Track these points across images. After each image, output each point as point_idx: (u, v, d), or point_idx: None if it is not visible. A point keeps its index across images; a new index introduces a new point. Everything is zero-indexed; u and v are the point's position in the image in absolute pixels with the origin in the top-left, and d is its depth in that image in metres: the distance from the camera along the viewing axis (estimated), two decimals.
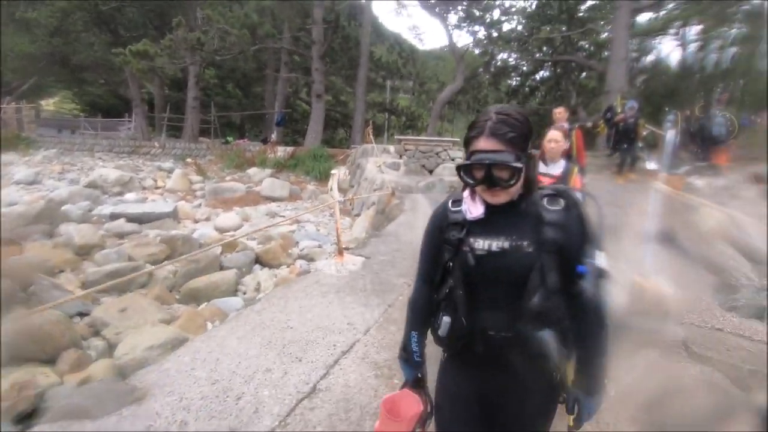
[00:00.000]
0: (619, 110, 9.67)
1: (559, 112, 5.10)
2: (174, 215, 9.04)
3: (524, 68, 24.06)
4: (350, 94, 23.57)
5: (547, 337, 1.07)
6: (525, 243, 1.11)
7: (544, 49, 21.65)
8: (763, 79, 14.11)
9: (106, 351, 3.92)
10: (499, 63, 22.99)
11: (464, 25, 21.29)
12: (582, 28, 20.06)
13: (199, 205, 10.81)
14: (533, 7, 21.70)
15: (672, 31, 20.32)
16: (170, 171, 14.05)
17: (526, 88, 24.93)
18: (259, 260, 6.62)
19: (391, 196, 7.91)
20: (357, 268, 4.37)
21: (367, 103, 22.21)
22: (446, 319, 1.17)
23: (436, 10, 20.34)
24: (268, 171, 14.01)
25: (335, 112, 25.84)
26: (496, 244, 1.12)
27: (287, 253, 7.09)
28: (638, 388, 2.35)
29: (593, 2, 20.72)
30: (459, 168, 1.12)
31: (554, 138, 3.03)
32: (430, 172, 10.27)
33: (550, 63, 22.60)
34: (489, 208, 1.15)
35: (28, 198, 10.04)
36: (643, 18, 20.09)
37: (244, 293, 5.67)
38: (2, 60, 19.38)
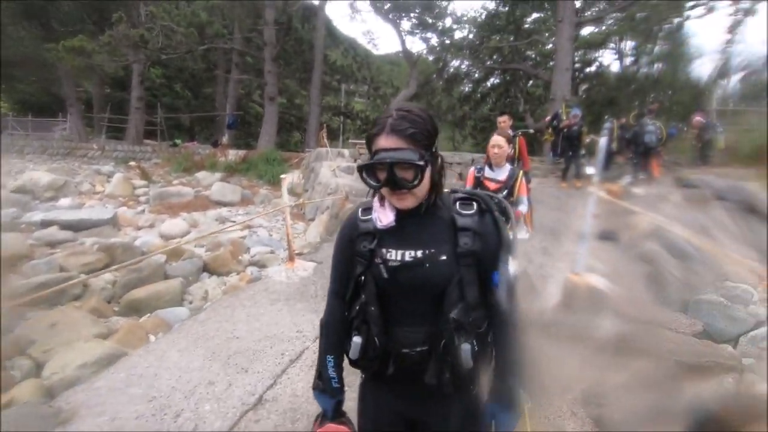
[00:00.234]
0: (564, 117, 10.20)
1: (503, 121, 5.13)
2: (114, 222, 8.51)
3: (476, 75, 24.83)
4: (305, 97, 23.27)
5: (468, 351, 1.02)
6: (440, 251, 1.05)
7: (494, 57, 22.47)
8: (686, 90, 15.43)
9: (33, 371, 3.60)
10: (451, 70, 23.60)
11: (417, 31, 21.69)
12: (528, 39, 21.02)
13: (143, 210, 10.23)
14: (483, 17, 22.52)
15: (611, 44, 21.82)
16: (110, 175, 13.20)
17: (478, 95, 25.73)
18: (207, 268, 6.36)
19: (345, 201, 7.88)
20: (308, 274, 4.30)
21: (322, 106, 22.03)
22: (357, 340, 1.09)
23: (390, 16, 20.58)
24: (219, 175, 13.53)
25: (290, 115, 25.42)
26: (409, 254, 1.06)
27: (237, 259, 6.86)
28: (576, 383, 2.47)
29: (538, 15, 21.80)
30: (360, 169, 1.05)
31: (497, 143, 3.08)
32: None
33: (499, 71, 23.49)
34: (400, 214, 1.08)
35: None
36: (586, 31, 21.38)
37: (191, 303, 5.41)
38: None
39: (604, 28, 21.02)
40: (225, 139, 19.03)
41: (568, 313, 3.12)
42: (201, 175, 13.56)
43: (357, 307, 1.11)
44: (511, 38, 21.59)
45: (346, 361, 1.18)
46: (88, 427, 2.02)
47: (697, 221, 5.38)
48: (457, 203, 1.11)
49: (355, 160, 10.93)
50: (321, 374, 1.18)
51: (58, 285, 4.58)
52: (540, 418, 2.26)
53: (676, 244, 4.52)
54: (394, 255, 1.07)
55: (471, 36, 22.74)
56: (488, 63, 22.71)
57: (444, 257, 1.04)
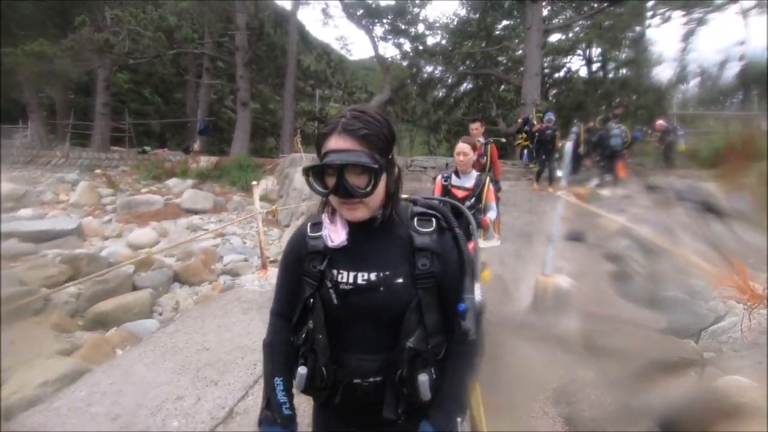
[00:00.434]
0: (535, 122, 10.46)
1: (476, 128, 5.10)
2: (78, 232, 8.18)
3: (449, 80, 25.19)
4: (278, 102, 23.05)
5: (426, 382, 0.94)
6: (396, 274, 0.96)
7: (467, 62, 22.89)
8: (650, 95, 16.11)
9: None
10: (425, 75, 23.86)
11: (390, 37, 21.86)
12: (499, 45, 21.51)
13: (110, 220, 9.88)
14: (455, 23, 22.92)
15: (579, 51, 22.62)
16: (75, 183, 12.70)
17: (452, 100, 26.11)
18: (178, 278, 6.20)
19: None
20: None
21: (297, 111, 21.87)
22: (302, 371, 0.98)
23: (362, 21, 20.66)
24: (190, 182, 13.20)
25: (264, 121, 25.12)
26: (362, 277, 0.96)
27: (210, 269, 6.71)
28: (547, 382, 2.52)
29: (508, 22, 22.36)
30: (307, 172, 0.94)
31: (463, 150, 3.07)
32: None
33: (472, 76, 23.92)
34: (352, 231, 0.99)
35: None
36: (554, 38, 22.09)
37: (161, 314, 5.25)
38: None
39: (571, 35, 21.78)
40: (197, 146, 18.62)
41: (539, 314, 3.18)
42: (172, 182, 13.22)
43: (304, 334, 1.01)
44: (483, 44, 22.05)
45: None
46: None
47: (662, 221, 5.59)
48: (415, 219, 1.01)
49: None
50: (269, 401, 1.03)
51: (17, 301, 4.37)
52: (511, 418, 2.29)
53: (641, 243, 4.68)
54: (345, 277, 0.97)
55: (444, 42, 23.10)
56: (461, 68, 23.12)
57: (400, 280, 0.95)
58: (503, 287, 4.11)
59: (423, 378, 0.94)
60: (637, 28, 18.51)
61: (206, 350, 2.88)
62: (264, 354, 1.10)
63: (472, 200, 3.07)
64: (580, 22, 20.41)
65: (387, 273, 0.96)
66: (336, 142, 0.92)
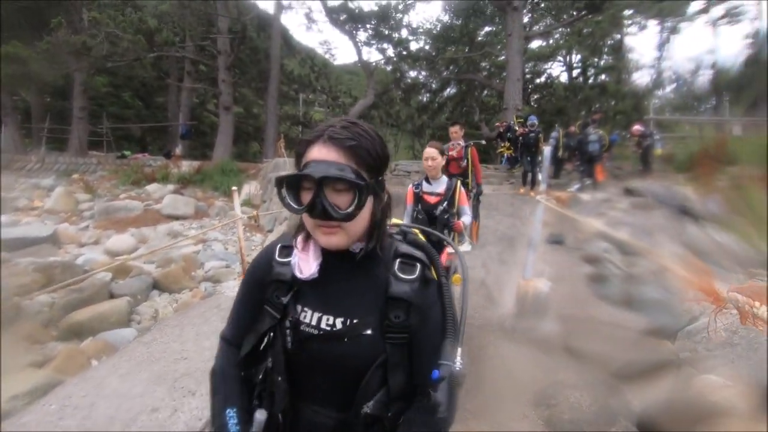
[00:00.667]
0: (517, 128, 10.60)
1: (455, 131, 5.03)
2: (54, 239, 7.95)
3: (433, 85, 25.41)
4: (262, 106, 22.90)
5: None
6: (365, 323, 0.83)
7: (450, 68, 23.12)
8: (628, 101, 16.53)
9: None
10: (409, 80, 24.02)
11: (373, 42, 21.96)
12: (482, 51, 21.81)
13: (87, 226, 9.64)
14: (438, 29, 23.19)
15: (559, 57, 23.12)
16: (51, 189, 12.36)
17: (435, 104, 26.33)
18: (157, 285, 6.07)
19: None
20: None
21: (281, 116, 21.74)
22: (260, 417, 0.85)
23: (346, 27, 20.72)
24: (171, 187, 12.98)
25: (247, 125, 24.89)
26: (327, 321, 0.84)
27: (190, 275, 6.59)
28: (526, 385, 2.53)
29: (490, 29, 22.72)
30: (280, 183, 0.80)
31: (431, 155, 3.01)
32: None
33: (455, 81, 24.17)
34: (326, 262, 0.86)
35: None
36: (535, 44, 22.54)
37: (139, 323, 5.13)
38: None
39: (551, 42, 22.24)
40: (178, 150, 18.33)
41: (520, 318, 3.20)
42: (152, 187, 12.97)
43: (261, 373, 0.89)
44: (466, 50, 22.33)
45: None
46: None
47: (640, 224, 5.71)
48: (397, 261, 0.86)
49: None
50: None
51: None
52: (492, 421, 2.29)
53: (619, 246, 4.77)
54: (309, 317, 0.85)
55: (427, 47, 23.33)
56: (444, 73, 23.34)
57: (369, 331, 0.82)
58: (486, 291, 4.14)
59: None
60: (616, 36, 19.02)
61: (184, 359, 2.82)
62: (211, 384, 0.93)
63: (444, 204, 3.02)
64: (560, 30, 20.88)
65: (355, 321, 0.83)
66: (319, 152, 0.80)
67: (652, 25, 17.41)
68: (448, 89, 25.95)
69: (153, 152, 21.51)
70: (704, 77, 18.88)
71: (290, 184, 0.81)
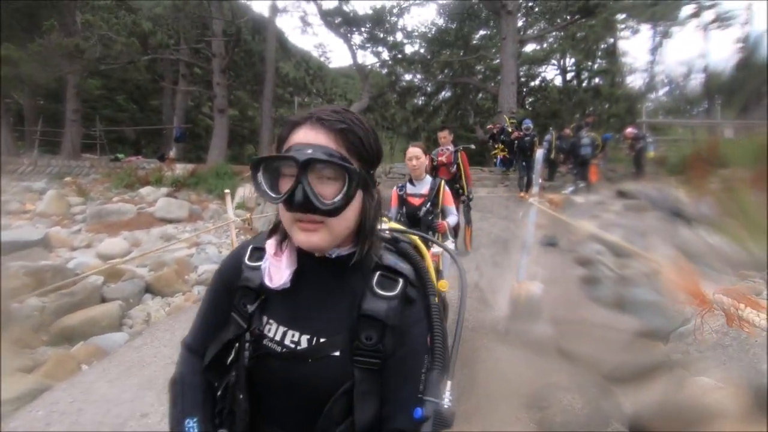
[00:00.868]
0: (510, 130, 10.65)
1: (444, 136, 4.95)
2: (45, 243, 7.88)
3: (428, 89, 25.49)
4: (257, 109, 22.86)
5: None
6: (333, 343, 0.72)
7: (445, 71, 23.21)
8: (621, 104, 16.67)
9: None
10: (404, 83, 24.07)
11: (368, 45, 22.01)
12: (476, 54, 21.92)
13: (79, 230, 9.56)
14: (433, 32, 23.28)
15: (554, 61, 23.30)
16: (43, 192, 12.27)
17: (431, 108, 26.39)
18: (150, 289, 6.02)
19: None
20: None
21: (276, 119, 21.72)
22: None
23: (341, 30, 20.75)
24: (165, 190, 12.92)
25: (242, 128, 24.86)
26: (292, 337, 0.74)
27: (184, 279, 6.54)
28: (519, 388, 2.53)
29: (484, 32, 22.85)
30: (256, 166, 0.71)
31: (414, 155, 2.93)
32: None
33: (450, 84, 24.26)
34: (301, 269, 0.77)
35: None
36: (529, 48, 22.70)
37: (131, 327, 5.07)
38: None
39: (546, 45, 22.41)
40: (173, 153, 18.25)
41: (513, 320, 3.20)
42: (145, 190, 12.90)
43: (222, 388, 0.81)
44: (461, 53, 22.42)
45: None
46: None
47: (633, 226, 5.74)
48: (377, 274, 0.75)
49: None
50: None
51: None
52: (484, 424, 2.28)
53: (612, 248, 4.79)
54: (273, 331, 0.75)
55: (422, 50, 23.40)
56: (439, 77, 23.42)
57: (336, 353, 0.72)
58: (479, 294, 4.14)
59: None
60: (609, 40, 19.20)
61: (174, 364, 2.79)
62: (171, 394, 0.84)
63: (428, 205, 2.95)
64: (554, 33, 21.04)
65: (322, 340, 0.73)
66: (305, 135, 0.70)
67: (645, 29, 17.63)
68: (443, 92, 26.04)
69: (147, 155, 21.42)
70: (696, 81, 19.12)
71: (269, 168, 0.71)
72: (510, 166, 11.51)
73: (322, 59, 28.20)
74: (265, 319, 0.77)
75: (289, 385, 0.74)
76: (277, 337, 0.75)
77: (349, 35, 20.89)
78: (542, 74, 24.69)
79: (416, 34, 23.34)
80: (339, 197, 0.67)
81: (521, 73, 21.23)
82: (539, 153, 5.69)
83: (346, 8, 20.57)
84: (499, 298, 3.75)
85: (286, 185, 0.69)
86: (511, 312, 3.23)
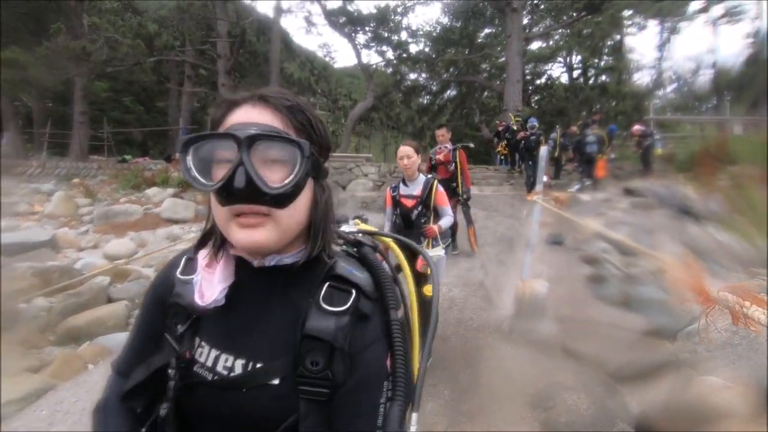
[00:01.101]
0: (516, 128, 10.57)
1: (442, 134, 4.84)
2: (53, 244, 7.95)
3: (433, 87, 25.44)
4: None
5: None
6: (272, 369, 0.61)
7: (450, 70, 23.15)
8: (628, 101, 16.52)
9: None
10: (409, 82, 24.05)
11: (373, 45, 22.00)
12: (481, 52, 21.83)
13: (86, 231, 9.65)
14: (438, 31, 23.22)
15: (560, 58, 23.15)
16: (51, 193, 12.41)
17: (436, 106, 26.35)
18: None
19: None
20: None
21: None
22: None
23: (345, 29, 20.76)
24: (171, 191, 13.00)
25: None
26: (225, 363, 0.63)
27: None
28: (523, 387, 2.50)
29: (490, 30, 22.75)
30: (185, 149, 0.60)
31: (406, 154, 2.79)
32: (343, 188, 10.30)
33: (455, 83, 24.20)
34: (239, 280, 0.66)
35: None
36: (535, 46, 22.58)
37: None
38: None
39: (551, 43, 22.26)
40: (179, 154, 18.37)
41: (518, 319, 3.17)
42: (151, 191, 13.01)
43: (150, 421, 0.69)
44: (466, 52, 22.35)
45: None
46: None
47: (640, 224, 5.68)
48: (325, 286, 0.64)
49: None
50: None
51: None
52: (488, 424, 2.26)
53: (618, 246, 4.73)
54: (205, 356, 0.64)
55: (427, 49, 23.37)
56: (444, 75, 23.37)
57: (275, 381, 0.60)
58: (484, 293, 4.11)
59: None
60: (616, 36, 19.03)
61: None
62: (93, 423, 0.71)
63: (420, 208, 2.82)
64: (560, 31, 20.90)
65: (259, 365, 0.61)
66: (246, 114, 0.61)
67: (652, 25, 17.45)
68: (449, 91, 25.99)
69: (154, 156, 21.59)
70: (705, 77, 18.91)
71: (200, 151, 0.60)
72: (513, 165, 11.46)
73: (326, 59, 28.22)
74: (197, 341, 0.65)
75: (223, 418, 0.62)
76: (209, 363, 0.63)
77: (353, 35, 20.91)
78: (548, 72, 24.57)
79: (421, 32, 23.33)
80: (290, 179, 0.57)
81: (527, 71, 21.10)
82: (543, 150, 5.63)
83: (350, 8, 20.62)
84: (504, 296, 3.72)
85: (221, 169, 0.57)
86: (515, 311, 3.20)
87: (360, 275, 0.65)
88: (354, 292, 0.63)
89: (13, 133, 19.28)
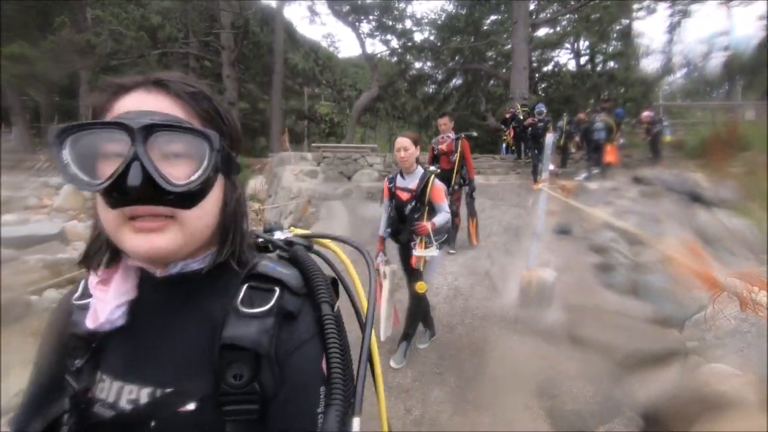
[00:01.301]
0: (522, 117, 10.43)
1: (444, 123, 4.67)
2: (62, 237, 8.06)
3: (438, 76, 25.15)
4: (268, 101, 22.91)
5: None
6: (187, 393, 0.52)
7: (456, 58, 22.84)
8: (637, 87, 16.23)
9: None
10: (414, 71, 23.80)
11: (377, 34, 21.76)
12: (487, 40, 21.51)
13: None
14: (443, 19, 22.89)
15: (567, 44, 22.76)
16: (59, 187, 12.53)
17: (441, 95, 26.08)
18: None
19: (307, 205, 7.76)
20: None
21: (286, 110, 21.74)
22: None
23: (349, 18, 20.55)
24: None
25: (253, 120, 24.93)
26: (129, 395, 0.53)
27: None
28: (529, 376, 2.49)
29: (495, 17, 22.39)
30: (60, 140, 0.49)
31: (403, 145, 2.70)
32: (349, 178, 10.28)
33: (461, 71, 23.90)
34: (140, 297, 0.57)
35: None
36: (542, 32, 22.20)
37: None
38: None
39: (558, 29, 21.86)
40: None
41: (524, 308, 3.15)
42: None
43: None
44: (471, 39, 22.03)
45: None
46: None
47: (649, 212, 5.61)
48: (245, 287, 0.56)
49: (318, 164, 10.79)
50: None
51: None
52: (493, 412, 2.26)
53: (626, 235, 4.68)
54: (106, 391, 0.54)
55: (432, 38, 23.06)
56: (450, 64, 23.07)
57: (191, 406, 0.51)
58: (490, 282, 4.09)
59: None
60: (624, 21, 18.64)
61: None
62: None
63: (414, 203, 2.72)
64: (567, 16, 20.49)
65: (168, 391, 0.52)
66: (140, 101, 0.52)
67: (662, 7, 17.04)
68: (454, 80, 25.67)
69: None
70: (716, 61, 18.48)
71: (80, 145, 0.49)
72: (519, 155, 11.33)
73: (330, 49, 28.04)
74: (98, 375, 0.55)
75: None
76: (111, 398, 0.53)
77: (357, 24, 20.69)
78: (555, 59, 24.10)
79: (425, 21, 22.97)
80: (197, 175, 0.49)
81: (533, 58, 20.76)
82: (549, 138, 5.53)
83: None
84: (510, 285, 3.70)
85: (110, 168, 0.47)
86: (521, 300, 3.18)
87: (285, 271, 0.58)
88: (277, 289, 0.56)
89: (21, 128, 19.49)
